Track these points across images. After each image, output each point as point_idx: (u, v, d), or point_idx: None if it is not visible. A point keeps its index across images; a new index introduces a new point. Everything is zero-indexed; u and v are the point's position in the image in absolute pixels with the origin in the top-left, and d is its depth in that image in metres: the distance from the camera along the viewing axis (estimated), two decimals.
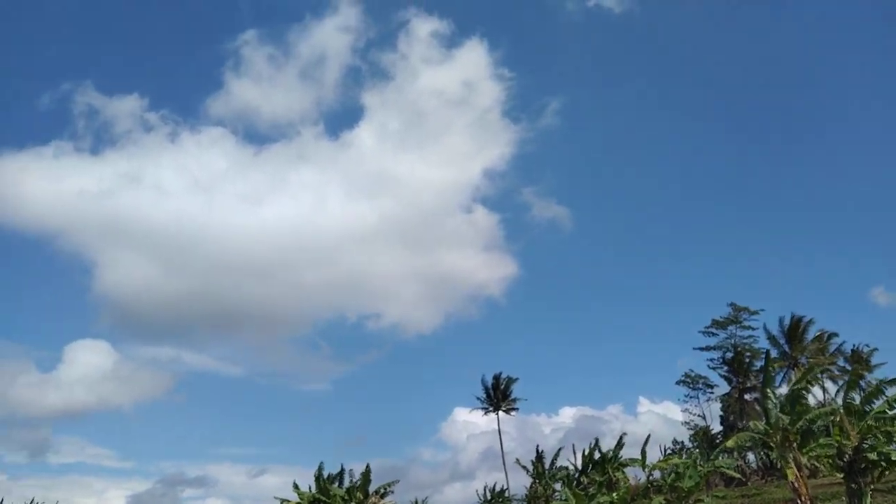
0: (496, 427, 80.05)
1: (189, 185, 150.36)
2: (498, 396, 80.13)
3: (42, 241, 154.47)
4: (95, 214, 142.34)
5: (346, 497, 47.93)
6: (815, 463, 29.68)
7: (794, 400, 28.17)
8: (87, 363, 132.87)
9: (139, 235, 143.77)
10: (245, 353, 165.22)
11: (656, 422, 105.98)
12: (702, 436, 75.76)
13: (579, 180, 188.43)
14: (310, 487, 49.07)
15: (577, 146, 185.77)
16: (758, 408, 63.53)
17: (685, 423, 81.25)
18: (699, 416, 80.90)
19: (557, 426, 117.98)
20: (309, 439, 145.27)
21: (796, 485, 27.48)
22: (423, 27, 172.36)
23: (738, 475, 55.12)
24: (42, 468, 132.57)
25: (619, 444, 53.43)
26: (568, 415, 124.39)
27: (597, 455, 53.19)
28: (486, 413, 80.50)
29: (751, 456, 69.75)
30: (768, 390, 29.09)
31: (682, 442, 79.44)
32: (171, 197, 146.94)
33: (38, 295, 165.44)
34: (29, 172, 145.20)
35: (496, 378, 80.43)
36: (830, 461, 28.50)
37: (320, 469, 49.58)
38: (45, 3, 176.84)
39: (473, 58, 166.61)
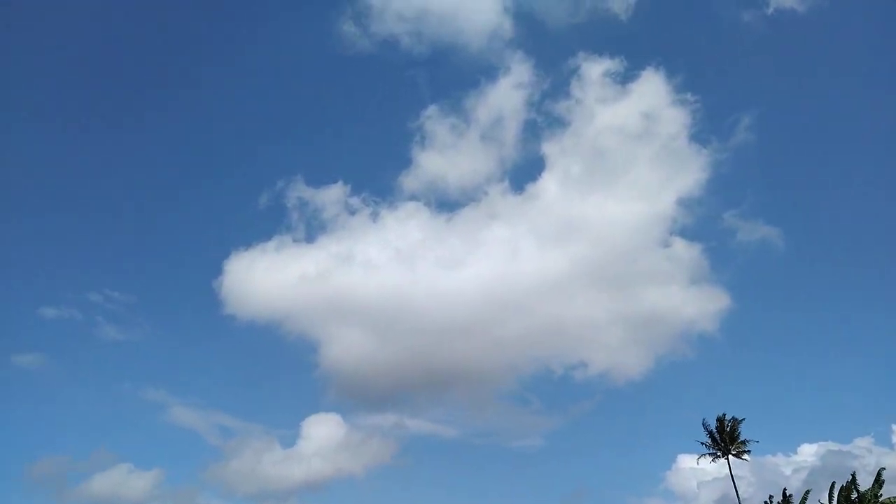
0: (728, 472, 74.31)
1: (392, 258, 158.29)
2: (725, 440, 74.54)
3: (272, 327, 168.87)
4: (315, 296, 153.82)
5: None
6: None
7: None
8: (322, 436, 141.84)
9: (353, 310, 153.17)
10: (458, 413, 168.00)
11: None
12: None
13: (786, 195, 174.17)
14: None
15: (779, 159, 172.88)
16: None
17: None
18: None
19: (798, 466, 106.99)
20: (528, 496, 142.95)
21: None
22: (595, 69, 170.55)
23: None
24: None
25: (878, 481, 47.18)
26: (809, 452, 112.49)
27: (853, 495, 47.29)
28: (713, 459, 75.07)
29: None
30: None
31: None
32: (378, 271, 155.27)
33: (275, 377, 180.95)
34: (256, 267, 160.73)
35: (720, 420, 75.06)
36: None
37: None
38: (252, 109, 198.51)
39: (651, 88, 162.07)
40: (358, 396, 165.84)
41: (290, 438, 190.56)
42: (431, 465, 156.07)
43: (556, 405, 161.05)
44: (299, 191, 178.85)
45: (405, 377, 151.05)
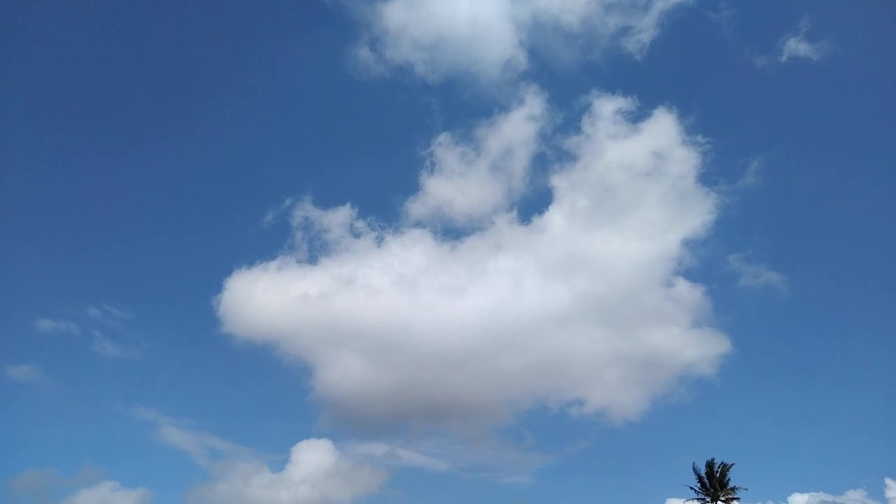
0: None
1: (395, 284, 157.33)
2: (714, 485, 73.51)
3: (269, 348, 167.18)
4: (314, 318, 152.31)
5: None
6: None
7: None
8: (312, 462, 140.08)
9: (352, 335, 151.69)
10: (451, 446, 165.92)
11: None
12: None
13: (792, 241, 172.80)
14: None
15: (787, 204, 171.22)
16: None
17: None
18: None
19: None
20: None
21: None
22: (607, 106, 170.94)
23: None
24: None
25: None
26: (800, 502, 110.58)
27: None
28: None
29: None
30: None
31: None
32: (379, 296, 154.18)
33: (269, 400, 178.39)
34: (257, 286, 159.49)
35: (709, 465, 74.13)
36: None
37: None
38: (264, 127, 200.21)
39: (662, 128, 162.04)
40: (350, 423, 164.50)
41: (279, 463, 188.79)
42: (419, 498, 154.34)
43: (549, 442, 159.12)
44: (306, 210, 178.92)
45: (400, 406, 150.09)
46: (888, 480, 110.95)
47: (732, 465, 73.76)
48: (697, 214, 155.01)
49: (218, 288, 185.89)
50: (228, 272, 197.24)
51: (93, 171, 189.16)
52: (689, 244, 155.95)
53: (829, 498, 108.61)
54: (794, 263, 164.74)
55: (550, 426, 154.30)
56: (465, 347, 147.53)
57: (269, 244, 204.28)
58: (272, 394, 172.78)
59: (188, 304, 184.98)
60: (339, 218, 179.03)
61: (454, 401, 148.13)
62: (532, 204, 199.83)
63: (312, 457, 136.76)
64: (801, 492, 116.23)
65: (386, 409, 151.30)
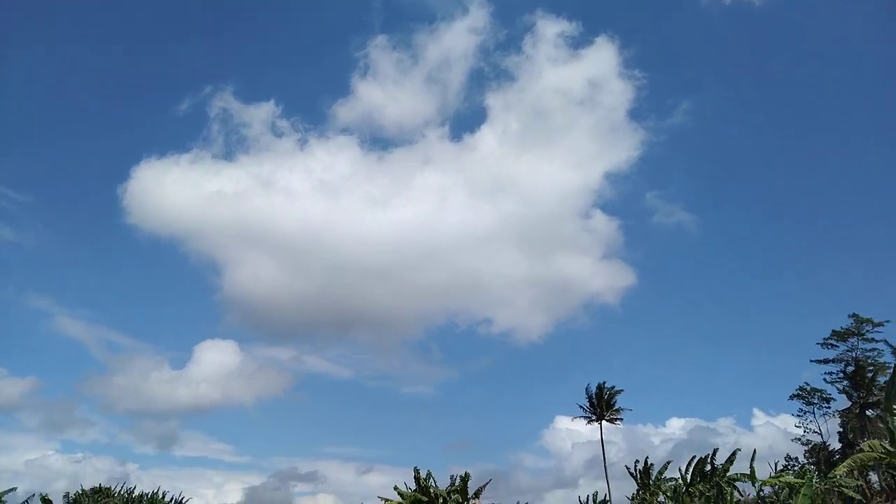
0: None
1: (316, 189, 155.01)
2: (601, 406, 78.95)
3: (175, 243, 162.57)
4: (226, 217, 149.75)
5: (446, 497, 48.68)
6: None
7: None
8: (215, 362, 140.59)
9: (266, 237, 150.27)
10: (357, 355, 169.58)
11: (775, 435, 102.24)
12: (819, 453, 72.11)
13: (708, 185, 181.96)
14: (405, 485, 50.62)
15: (709, 148, 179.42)
16: (881, 425, 59.74)
17: (798, 438, 77.63)
18: (815, 432, 77.09)
19: (667, 437, 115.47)
20: (414, 441, 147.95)
21: None
22: (551, 29, 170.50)
23: (857, 496, 51.92)
24: (168, 460, 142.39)
25: (731, 459, 51.74)
26: (677, 426, 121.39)
27: (707, 468, 51.69)
28: (588, 422, 79.54)
29: (873, 475, 65.65)
30: (895, 406, 27.35)
31: (797, 458, 75.98)
32: (299, 201, 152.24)
33: (173, 297, 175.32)
34: (167, 178, 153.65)
35: (600, 387, 79.33)
36: None
37: (420, 473, 50.55)
38: (188, 10, 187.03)
39: (602, 56, 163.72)
40: (258, 326, 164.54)
41: (180, 360, 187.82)
42: (322, 403, 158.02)
43: (454, 357, 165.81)
44: (226, 102, 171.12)
45: (311, 313, 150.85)
46: (756, 410, 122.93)
47: (621, 391, 79.17)
48: (623, 149, 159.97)
49: (124, 176, 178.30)
50: (136, 160, 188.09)
51: None
52: (612, 178, 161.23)
53: (703, 423, 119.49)
54: (707, 206, 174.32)
55: (458, 342, 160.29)
56: (382, 260, 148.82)
57: (182, 134, 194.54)
58: (177, 291, 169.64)
59: (91, 191, 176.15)
60: (260, 114, 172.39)
61: (366, 312, 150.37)
62: (465, 121, 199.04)
63: (216, 357, 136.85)
64: (679, 417, 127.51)
65: (296, 314, 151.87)
